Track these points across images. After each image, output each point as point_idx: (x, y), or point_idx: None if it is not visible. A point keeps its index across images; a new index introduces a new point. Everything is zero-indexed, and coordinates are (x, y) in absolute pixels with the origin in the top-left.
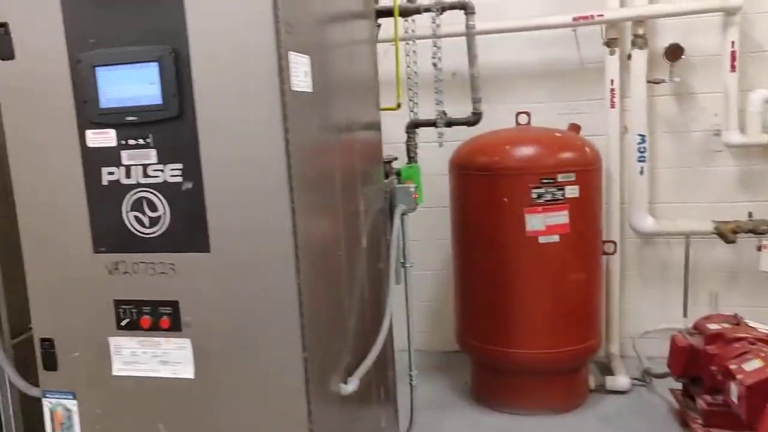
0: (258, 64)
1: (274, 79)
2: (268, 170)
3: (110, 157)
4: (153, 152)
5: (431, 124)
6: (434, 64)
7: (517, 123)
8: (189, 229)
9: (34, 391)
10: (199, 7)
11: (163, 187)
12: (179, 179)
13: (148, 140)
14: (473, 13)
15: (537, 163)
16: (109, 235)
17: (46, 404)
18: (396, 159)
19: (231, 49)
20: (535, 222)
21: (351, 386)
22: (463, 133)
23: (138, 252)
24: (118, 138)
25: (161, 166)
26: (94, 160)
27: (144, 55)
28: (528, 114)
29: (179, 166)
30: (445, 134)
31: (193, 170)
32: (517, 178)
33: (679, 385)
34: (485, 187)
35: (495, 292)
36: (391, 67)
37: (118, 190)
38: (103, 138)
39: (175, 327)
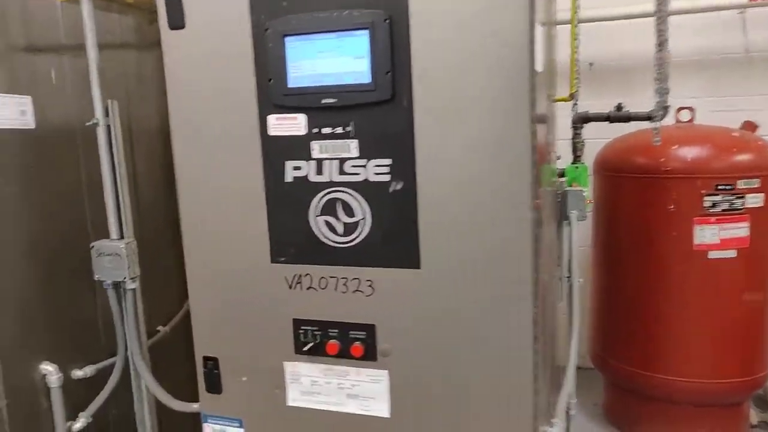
0: (505, 38)
1: (525, 58)
2: (505, 172)
3: (298, 148)
4: (354, 144)
5: (604, 118)
6: (659, 49)
7: (677, 120)
8: (395, 239)
9: (175, 405)
10: None
11: (364, 187)
12: (386, 178)
13: (348, 129)
14: None
15: (712, 166)
16: (292, 242)
17: (209, 430)
18: (560, 158)
19: (465, 18)
20: (706, 234)
21: (556, 429)
22: (595, 131)
23: (327, 264)
24: (310, 125)
25: (363, 161)
26: (277, 151)
27: (350, 21)
28: (692, 110)
29: (387, 161)
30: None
31: (404, 168)
32: (686, 183)
33: None
34: (643, 192)
35: (646, 310)
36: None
37: (306, 189)
38: (289, 125)
39: (370, 356)
